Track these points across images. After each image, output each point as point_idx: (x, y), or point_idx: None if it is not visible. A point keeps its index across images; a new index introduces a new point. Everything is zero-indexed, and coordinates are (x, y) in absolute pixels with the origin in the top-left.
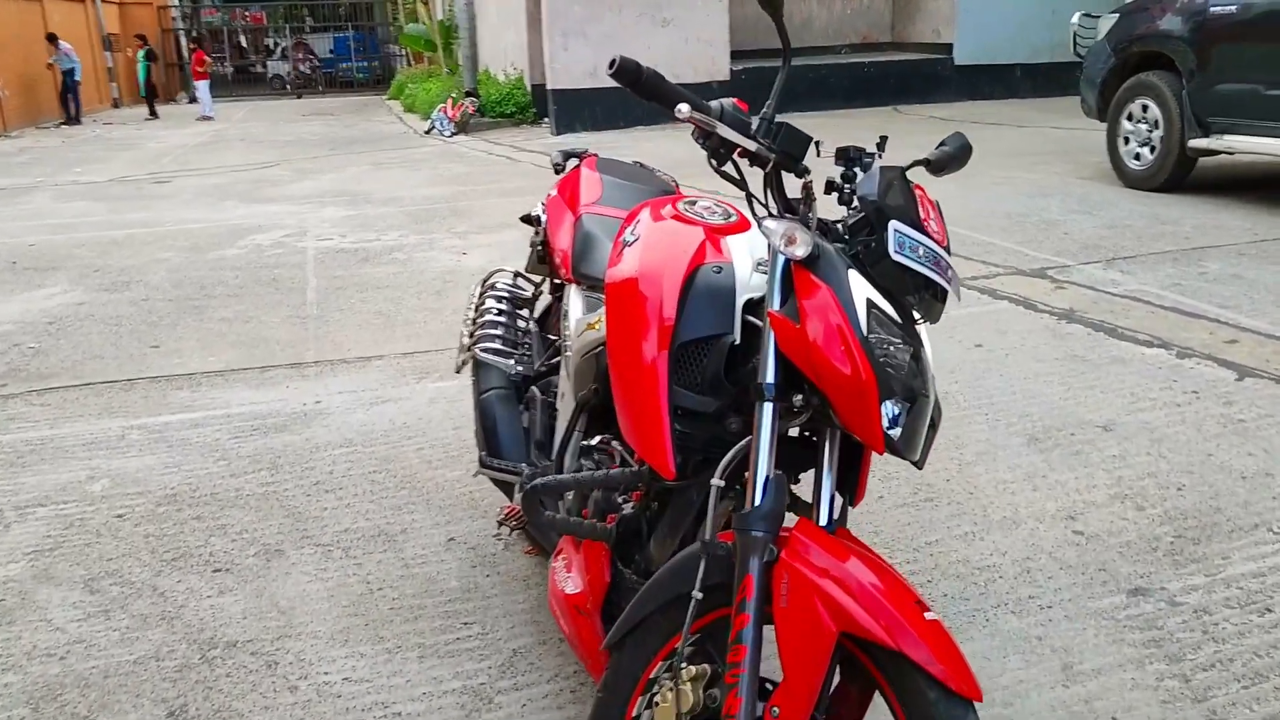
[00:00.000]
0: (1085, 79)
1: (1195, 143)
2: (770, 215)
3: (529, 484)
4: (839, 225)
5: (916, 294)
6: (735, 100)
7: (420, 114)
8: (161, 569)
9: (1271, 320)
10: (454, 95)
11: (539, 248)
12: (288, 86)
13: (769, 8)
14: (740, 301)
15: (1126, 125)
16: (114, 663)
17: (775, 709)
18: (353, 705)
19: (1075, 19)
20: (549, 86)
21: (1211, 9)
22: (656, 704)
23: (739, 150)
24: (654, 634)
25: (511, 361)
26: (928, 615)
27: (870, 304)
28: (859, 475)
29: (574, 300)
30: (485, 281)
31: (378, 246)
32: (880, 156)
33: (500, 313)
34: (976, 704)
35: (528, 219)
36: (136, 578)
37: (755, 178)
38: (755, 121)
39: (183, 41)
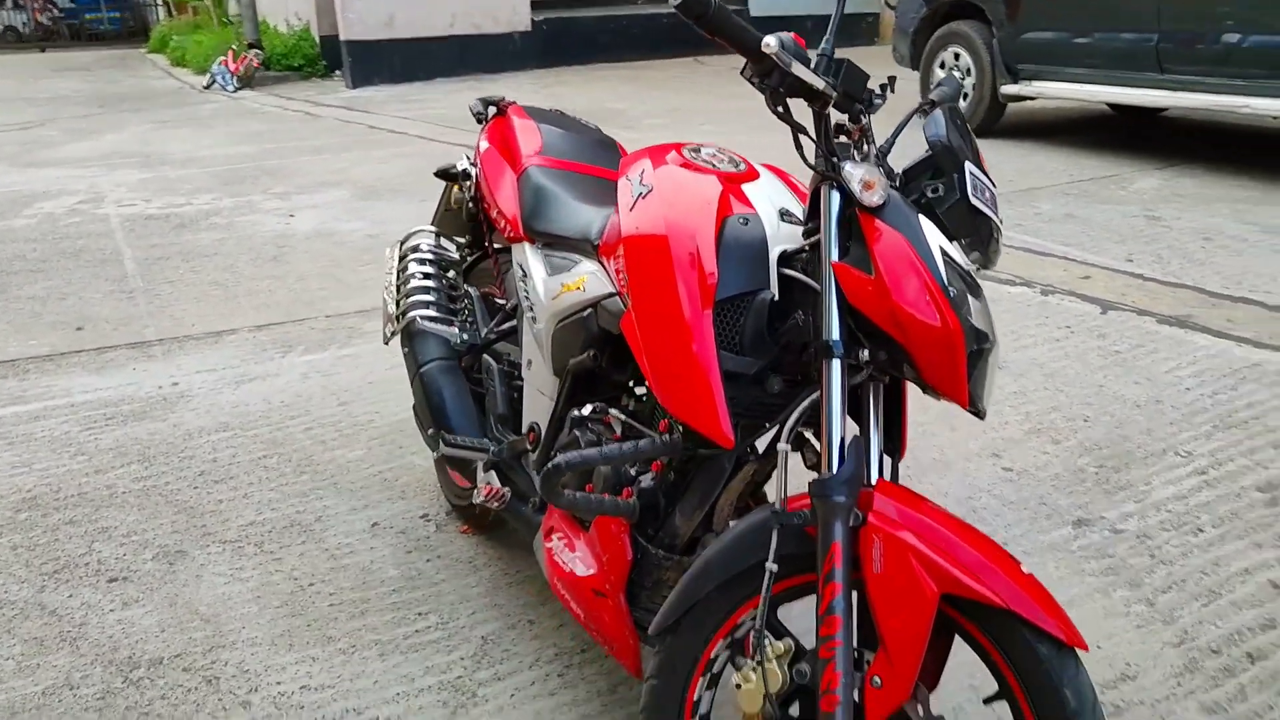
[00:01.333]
0: (898, 29)
1: (1006, 89)
2: (826, 160)
3: (551, 462)
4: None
5: (985, 240)
6: (794, 35)
7: (193, 68)
8: (44, 584)
9: (1113, 256)
10: (234, 47)
11: (470, 205)
12: (24, 39)
13: None
14: (774, 254)
15: (939, 73)
16: (17, 697)
17: (876, 679)
18: (321, 715)
19: None
20: (342, 38)
21: None
22: (738, 685)
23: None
24: (713, 612)
25: (455, 329)
26: (1024, 570)
27: (943, 252)
28: (901, 429)
29: (532, 261)
30: (404, 243)
31: (191, 211)
32: (887, 96)
33: (427, 276)
34: (1080, 653)
35: (446, 174)
36: (16, 596)
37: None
38: (815, 58)
39: None
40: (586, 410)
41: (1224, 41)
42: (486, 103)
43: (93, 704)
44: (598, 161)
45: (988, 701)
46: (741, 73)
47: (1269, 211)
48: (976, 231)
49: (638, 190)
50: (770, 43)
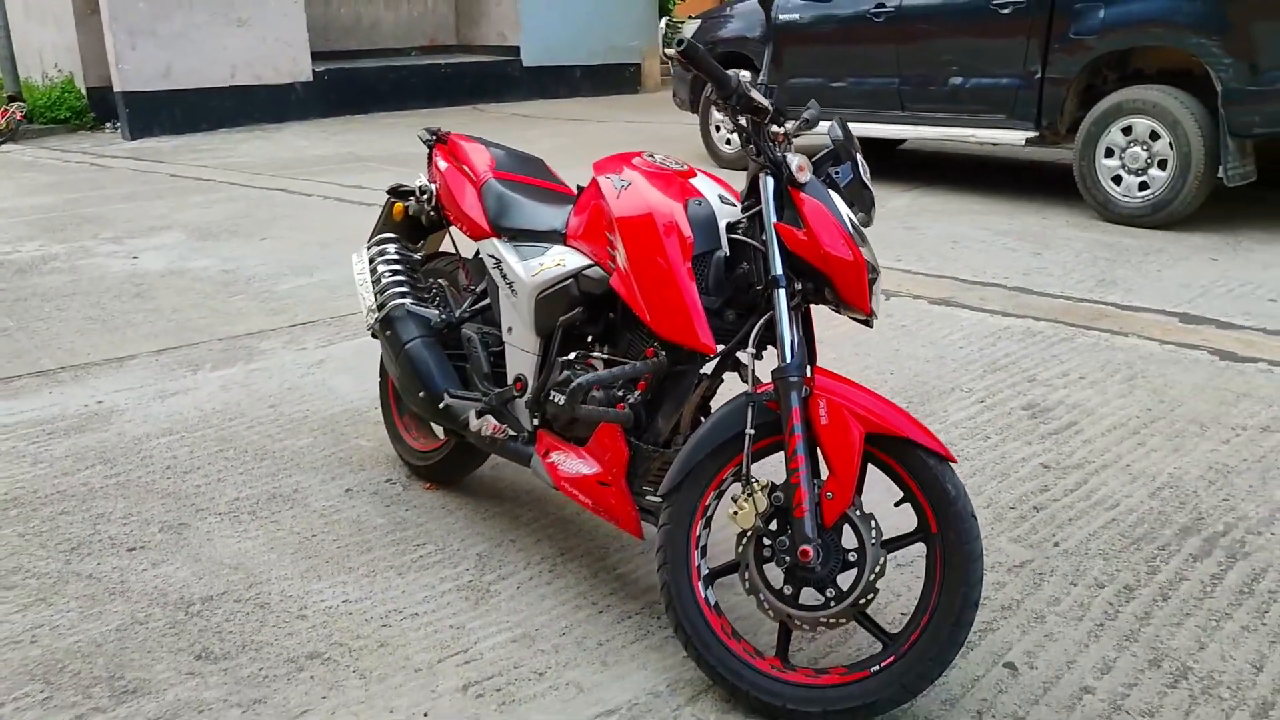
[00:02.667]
0: (677, 76)
1: (774, 128)
2: (766, 154)
3: (578, 380)
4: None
5: (867, 206)
6: (746, 72)
7: None
8: (69, 558)
9: (885, 258)
10: None
11: (431, 213)
12: None
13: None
14: (723, 225)
15: (716, 115)
16: (94, 635)
17: (829, 493)
18: (369, 616)
19: (661, 23)
20: (117, 89)
21: (780, 17)
22: (735, 514)
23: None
24: (706, 472)
25: (435, 311)
26: (911, 416)
27: (846, 213)
28: (812, 343)
29: (505, 251)
30: (371, 251)
31: (24, 258)
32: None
33: (397, 272)
34: (953, 465)
35: (398, 192)
36: (48, 569)
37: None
38: (759, 87)
39: None
40: (572, 356)
41: (951, 84)
42: (431, 132)
43: (166, 632)
44: (536, 175)
45: (898, 504)
46: (709, 97)
47: (996, 220)
48: (863, 200)
49: (619, 185)
50: (739, 76)
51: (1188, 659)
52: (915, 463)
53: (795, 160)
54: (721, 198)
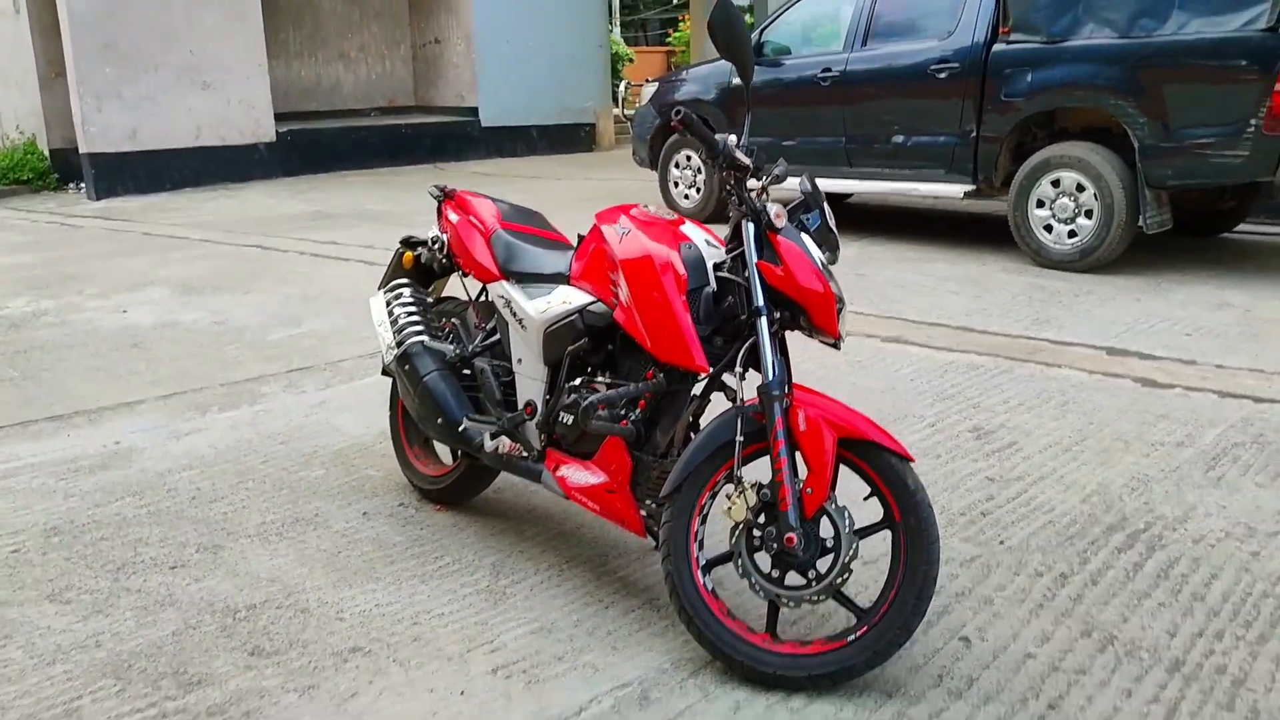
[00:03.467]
0: (636, 136)
1: None
2: (749, 205)
3: (587, 400)
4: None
5: (833, 248)
6: (730, 136)
7: None
8: (116, 576)
9: None
10: None
11: (443, 260)
12: None
13: (733, 58)
14: (710, 265)
15: (675, 172)
16: (154, 639)
17: (808, 489)
18: (401, 616)
19: (622, 86)
20: (83, 150)
21: (734, 81)
22: (729, 509)
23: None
24: (702, 475)
25: (450, 346)
26: (875, 423)
27: (817, 254)
28: (788, 362)
29: (513, 292)
30: (388, 295)
31: (15, 314)
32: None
33: (413, 313)
34: (912, 463)
35: (410, 242)
36: (98, 586)
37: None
38: (743, 146)
39: None
40: (578, 381)
41: (894, 142)
42: (439, 188)
43: (219, 635)
44: (537, 226)
45: (866, 499)
46: (700, 155)
47: (939, 266)
48: (829, 242)
49: (621, 232)
50: (726, 139)
51: (1114, 630)
52: (880, 462)
53: (774, 208)
54: (708, 242)
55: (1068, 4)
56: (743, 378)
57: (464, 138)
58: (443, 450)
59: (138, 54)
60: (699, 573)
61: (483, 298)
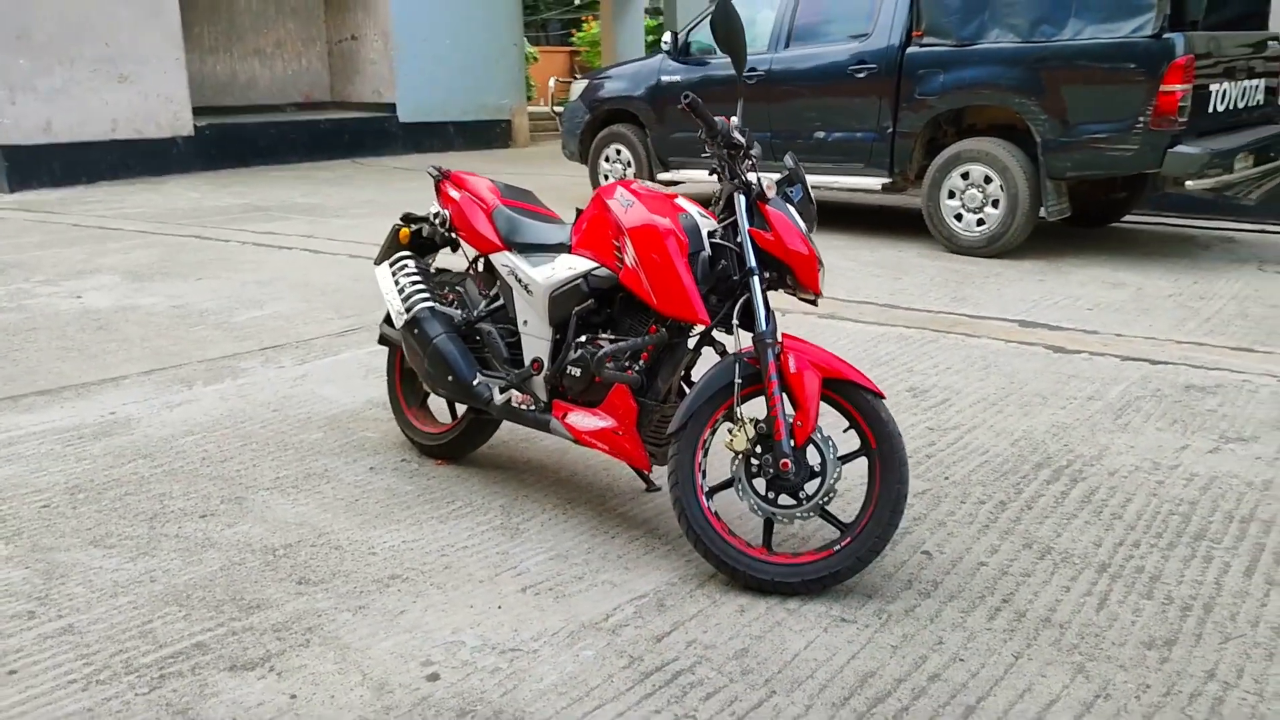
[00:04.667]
0: (567, 130)
1: (661, 176)
2: (733, 178)
3: (598, 353)
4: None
5: (811, 219)
6: (725, 118)
7: None
8: (152, 524)
9: None
10: None
11: (446, 233)
12: None
13: (730, 51)
14: (705, 232)
15: (605, 165)
16: (203, 574)
17: (798, 422)
18: (428, 549)
19: (551, 82)
20: None
21: (662, 78)
22: (731, 437)
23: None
24: (704, 415)
25: (457, 311)
26: (852, 365)
27: (800, 221)
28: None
29: (518, 262)
30: (391, 267)
31: None
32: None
33: (418, 282)
34: (884, 399)
35: (408, 218)
36: (136, 533)
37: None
38: (738, 129)
39: None
40: (584, 339)
41: (816, 138)
42: (437, 168)
43: (265, 569)
44: (531, 202)
45: (845, 430)
46: (699, 136)
47: (861, 253)
48: (808, 213)
49: (626, 203)
50: (729, 121)
51: (1050, 543)
52: (858, 399)
53: (766, 180)
54: (699, 213)
55: (976, 9)
56: (735, 331)
57: (382, 133)
58: (439, 410)
59: (52, 45)
60: (703, 497)
61: (474, 268)
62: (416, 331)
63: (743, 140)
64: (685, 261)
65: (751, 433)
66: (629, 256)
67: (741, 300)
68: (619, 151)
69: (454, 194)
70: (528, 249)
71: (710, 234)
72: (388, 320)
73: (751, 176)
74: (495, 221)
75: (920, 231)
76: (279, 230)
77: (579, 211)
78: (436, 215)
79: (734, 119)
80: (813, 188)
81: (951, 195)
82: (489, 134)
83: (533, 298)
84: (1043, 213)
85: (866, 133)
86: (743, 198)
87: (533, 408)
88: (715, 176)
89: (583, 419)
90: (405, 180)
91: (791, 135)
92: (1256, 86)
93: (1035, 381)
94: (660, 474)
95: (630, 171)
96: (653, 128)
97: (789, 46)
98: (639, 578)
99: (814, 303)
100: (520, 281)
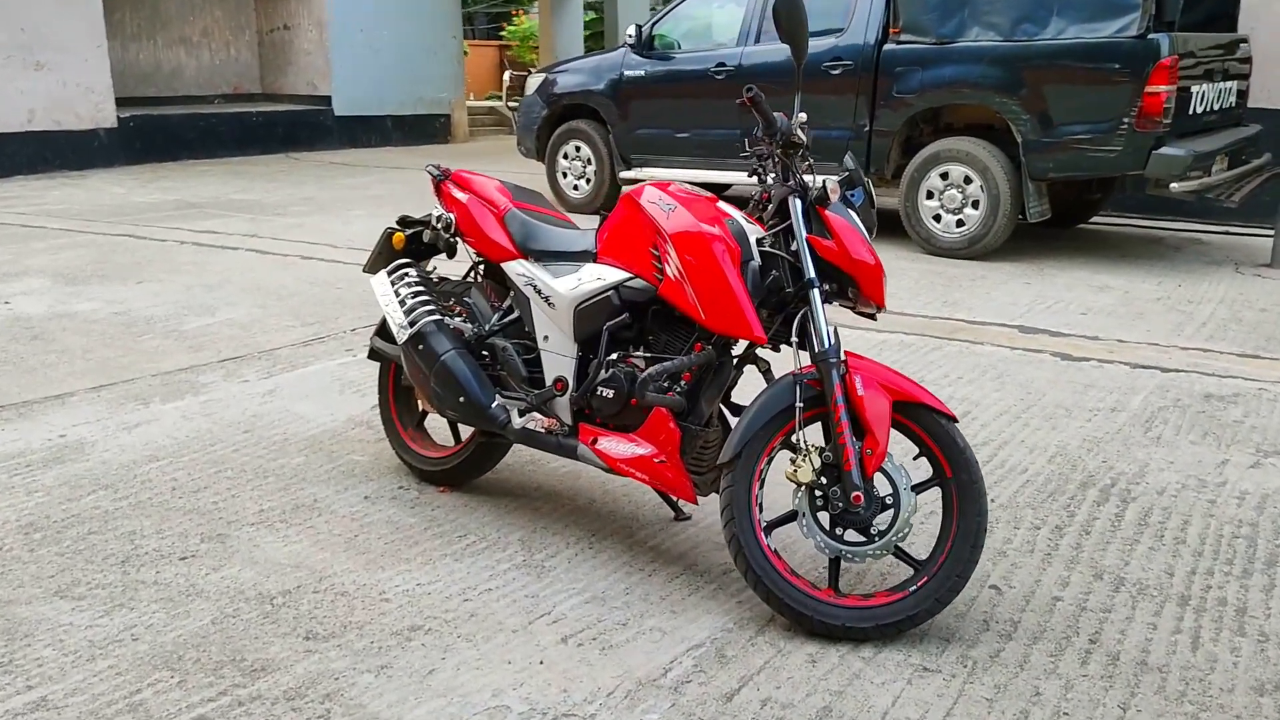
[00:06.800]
0: (522, 126)
1: (624, 174)
2: (796, 180)
3: (640, 375)
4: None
5: (872, 224)
6: (782, 113)
7: None
8: (124, 570)
9: None
10: None
11: (449, 238)
12: None
13: (791, 42)
14: (753, 239)
15: (563, 163)
16: (193, 629)
17: (868, 450)
18: (448, 594)
19: (506, 75)
20: None
21: (625, 73)
22: (795, 467)
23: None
24: (760, 441)
25: (469, 326)
26: (921, 386)
27: (862, 228)
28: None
29: (536, 270)
30: (390, 276)
31: None
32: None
33: (420, 293)
34: (957, 423)
35: (405, 222)
36: (107, 580)
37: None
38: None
39: None
40: (614, 357)
41: None
42: (437, 166)
43: (264, 620)
44: (542, 205)
45: (916, 458)
46: (754, 132)
47: None
48: (869, 218)
49: (666, 208)
50: (786, 118)
51: (1120, 572)
52: (930, 423)
53: (830, 183)
54: (744, 218)
55: (955, 7)
56: (794, 349)
57: (317, 127)
58: (440, 431)
59: None
60: (762, 534)
61: (476, 276)
62: (421, 347)
63: (804, 138)
64: (738, 271)
65: (818, 462)
66: (672, 266)
67: (800, 314)
68: (578, 149)
69: (459, 196)
70: (546, 256)
71: (759, 241)
72: (380, 333)
73: (809, 178)
74: (508, 226)
75: (897, 232)
76: (219, 229)
77: (603, 218)
78: (439, 219)
79: (799, 115)
80: None
81: (930, 196)
82: (428, 128)
83: (555, 311)
84: (1025, 214)
85: (842, 130)
86: (799, 201)
87: (556, 432)
88: (755, 178)
89: (617, 445)
90: (345, 176)
91: None
92: (1230, 89)
93: (1052, 391)
94: (698, 505)
95: (590, 169)
96: (615, 124)
97: (759, 41)
98: (690, 623)
99: (874, 317)
100: (540, 293)
